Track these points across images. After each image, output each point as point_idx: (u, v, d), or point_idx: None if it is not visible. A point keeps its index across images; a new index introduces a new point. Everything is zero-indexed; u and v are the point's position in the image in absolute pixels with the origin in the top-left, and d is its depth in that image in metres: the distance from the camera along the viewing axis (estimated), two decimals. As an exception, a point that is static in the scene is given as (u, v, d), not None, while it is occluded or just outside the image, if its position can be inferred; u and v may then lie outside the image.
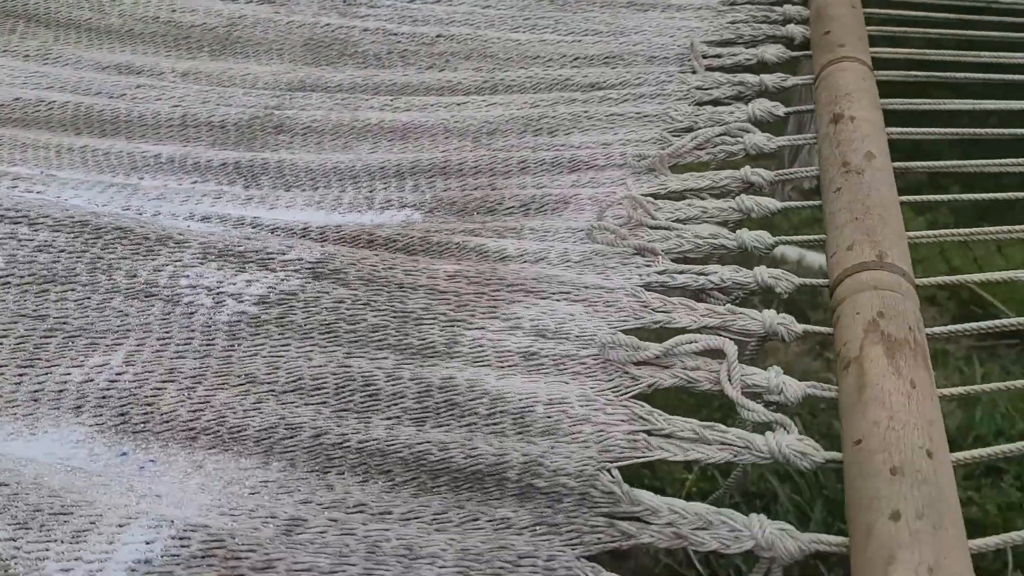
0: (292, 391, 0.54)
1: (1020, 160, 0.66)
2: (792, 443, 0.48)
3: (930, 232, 0.62)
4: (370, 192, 0.80)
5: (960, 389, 0.50)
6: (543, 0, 1.03)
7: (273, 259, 0.61)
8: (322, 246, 0.64)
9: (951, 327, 0.54)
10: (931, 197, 0.66)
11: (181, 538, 0.45)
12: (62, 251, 0.62)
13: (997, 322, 0.55)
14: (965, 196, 0.70)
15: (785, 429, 0.49)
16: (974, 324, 0.56)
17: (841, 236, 0.59)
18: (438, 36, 1.00)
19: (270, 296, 0.59)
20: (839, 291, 0.55)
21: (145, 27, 1.06)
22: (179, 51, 1.04)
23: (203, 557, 0.44)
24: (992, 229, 0.62)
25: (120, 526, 0.46)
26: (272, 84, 0.98)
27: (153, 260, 0.62)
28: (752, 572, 0.45)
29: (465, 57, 0.98)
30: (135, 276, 0.61)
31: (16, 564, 0.45)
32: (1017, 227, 0.61)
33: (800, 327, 0.55)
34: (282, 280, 0.60)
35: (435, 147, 0.85)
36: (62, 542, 0.46)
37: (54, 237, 0.63)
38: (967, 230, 0.61)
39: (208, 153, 0.86)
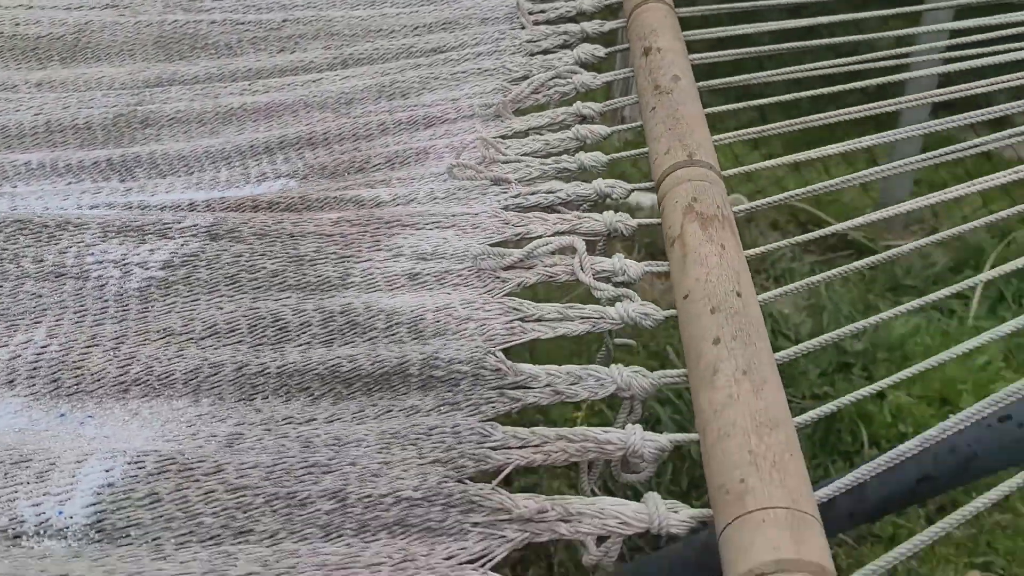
0: (209, 336, 0.62)
1: (792, 69, 0.80)
2: (636, 308, 0.59)
3: (729, 134, 0.74)
4: (244, 169, 0.87)
5: (758, 250, 0.62)
6: (378, -23, 1.11)
7: (170, 228, 0.68)
8: (212, 214, 0.71)
9: (749, 204, 0.66)
10: (732, 106, 0.79)
11: (136, 462, 0.52)
12: (-35, 249, 0.66)
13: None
14: (741, 104, 0.83)
15: (631, 299, 0.60)
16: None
17: (659, 144, 0.71)
18: (284, 21, 1.06)
19: (174, 260, 0.66)
20: (662, 188, 0.67)
21: (-12, 43, 1.07)
22: (29, 63, 1.06)
23: (159, 473, 0.51)
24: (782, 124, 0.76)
25: (78, 462, 0.52)
26: (129, 84, 1.02)
27: (56, 244, 0.67)
28: (618, 414, 0.56)
29: (313, 37, 1.05)
30: (42, 261, 0.66)
31: (-13, 509, 0.51)
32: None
33: (635, 221, 0.67)
34: (182, 245, 0.67)
35: (298, 122, 0.92)
36: (28, 483, 0.52)
37: (-47, 238, 0.67)
38: (758, 128, 0.74)
39: (78, 154, 0.90)
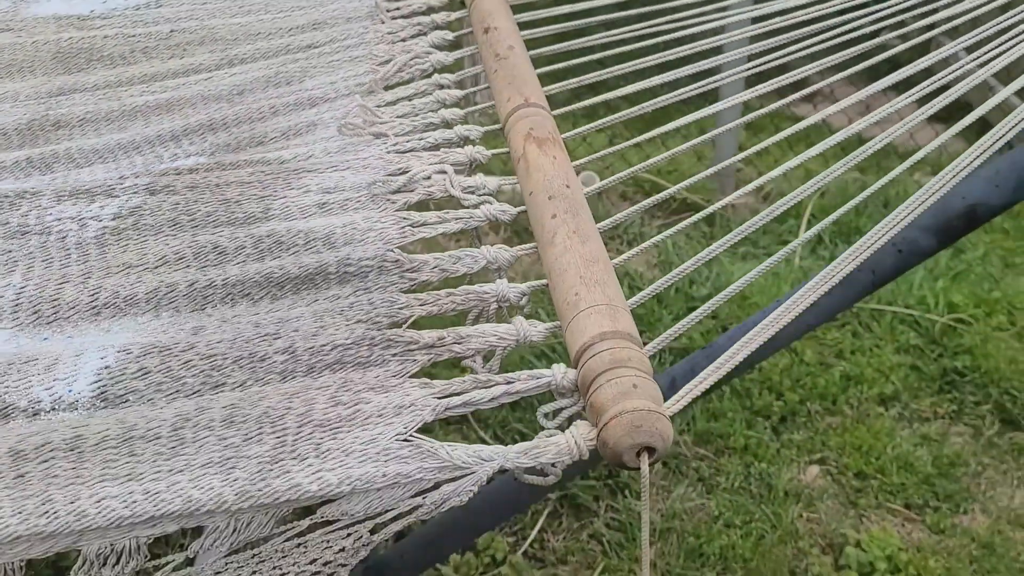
0: (162, 265, 0.77)
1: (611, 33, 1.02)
2: (496, 208, 0.79)
3: (557, 84, 0.96)
4: (156, 155, 1.01)
5: (583, 160, 0.83)
6: (252, -11, 1.27)
7: (114, 188, 0.83)
8: (148, 176, 0.86)
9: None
10: (551, 68, 1.01)
11: (124, 350, 0.68)
12: (-64, 220, 0.79)
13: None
14: (555, 67, 1.04)
15: (491, 203, 0.80)
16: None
17: (502, 95, 0.91)
18: (171, 31, 1.21)
19: (122, 212, 0.81)
20: (507, 125, 0.87)
21: None
22: (-68, 84, 1.17)
23: (144, 354, 0.67)
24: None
25: (76, 355, 0.67)
26: (34, 96, 1.14)
27: (18, 209, 0.81)
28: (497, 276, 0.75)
29: (199, 44, 1.20)
30: (7, 224, 0.80)
31: (8, 395, 0.65)
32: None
33: (489, 151, 0.87)
34: (127, 200, 0.82)
35: (198, 112, 1.07)
36: (39, 374, 0.66)
37: (-77, 213, 0.80)
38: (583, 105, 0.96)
39: (-1, 156, 1.02)
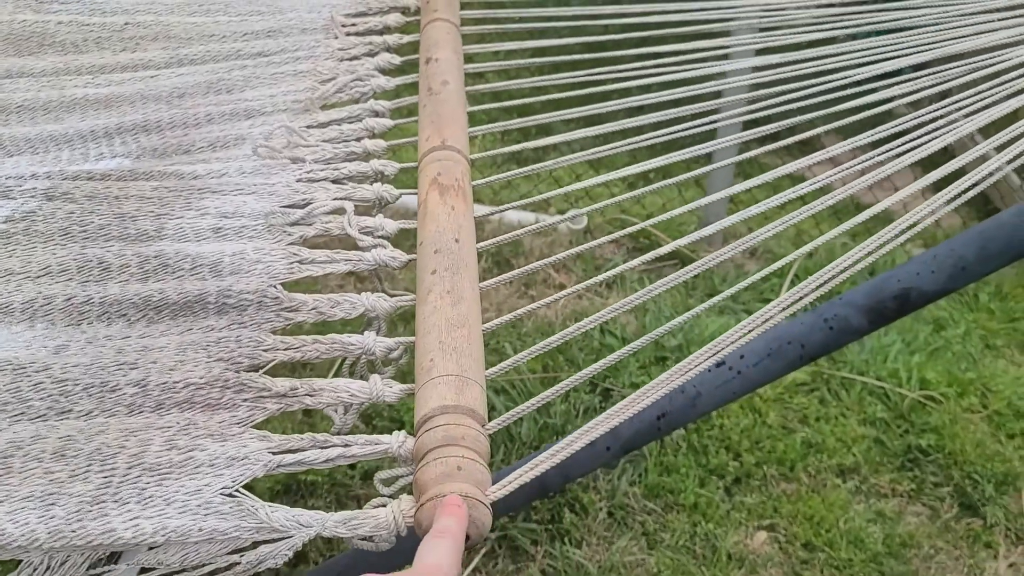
0: (44, 275, 0.76)
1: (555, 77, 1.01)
2: (387, 253, 0.77)
3: (481, 127, 0.94)
4: (85, 150, 1.01)
5: (489, 209, 0.82)
6: (213, -11, 1.26)
7: (12, 190, 0.82)
8: (50, 180, 0.85)
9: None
10: (488, 106, 0.99)
11: (-22, 364, 0.67)
12: None
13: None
14: (506, 104, 1.03)
15: (384, 248, 0.78)
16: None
17: (423, 133, 0.90)
18: (126, 24, 1.20)
19: (14, 216, 0.80)
20: (420, 166, 0.86)
21: None
22: None
23: (-3, 371, 0.66)
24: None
25: (-71, 365, 0.67)
26: (-21, 74, 1.14)
27: (-89, 202, 0.80)
28: (362, 329, 0.74)
29: (152, 39, 1.19)
30: (-103, 215, 0.79)
31: None
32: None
33: (398, 191, 0.85)
34: (22, 204, 0.81)
35: (135, 111, 1.07)
36: None
37: None
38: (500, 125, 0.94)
39: (-70, 135, 1.02)
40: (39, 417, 0.64)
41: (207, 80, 1.10)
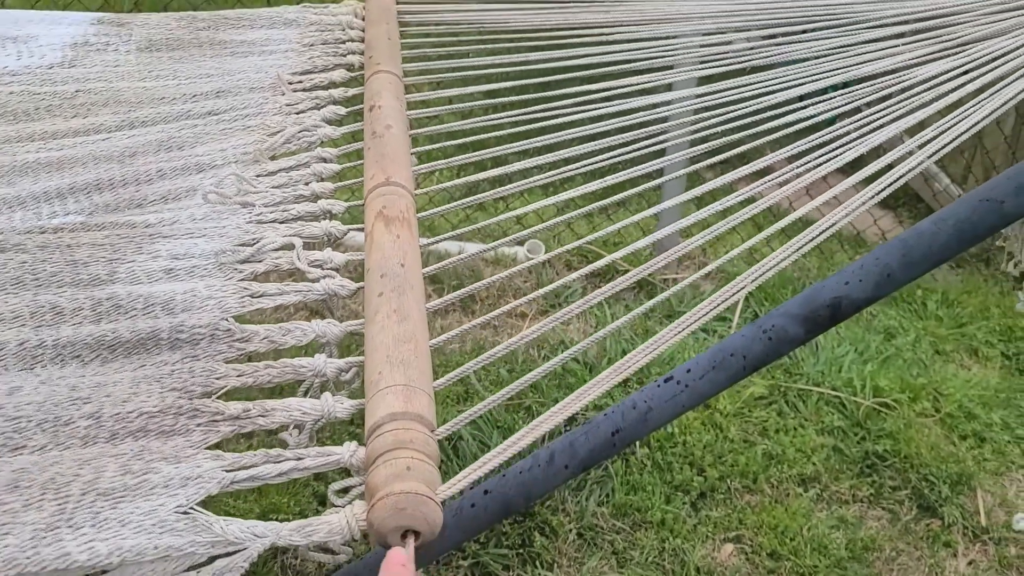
0: (-3, 323, 0.77)
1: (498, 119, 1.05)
2: (336, 283, 0.80)
3: (424, 165, 0.98)
4: (37, 210, 1.03)
5: (425, 241, 0.85)
6: (162, 54, 1.30)
7: (-36, 244, 0.83)
8: (1, 235, 0.87)
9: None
10: (425, 148, 1.03)
11: (-69, 408, 0.67)
12: None
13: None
14: (453, 144, 1.07)
15: (333, 278, 0.81)
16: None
17: (368, 172, 0.93)
18: (77, 91, 1.24)
19: (-33, 268, 0.81)
20: (366, 202, 0.89)
21: None
22: None
23: (-50, 413, 0.67)
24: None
25: None
26: (-68, 146, 1.16)
27: None
28: (317, 352, 0.76)
29: (103, 105, 1.22)
30: None
31: None
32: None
33: (345, 227, 0.88)
34: (-25, 257, 0.83)
35: (88, 172, 1.09)
36: None
37: None
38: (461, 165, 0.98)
39: None
40: (-7, 454, 0.65)
41: (158, 139, 1.13)
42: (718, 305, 0.76)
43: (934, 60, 0.96)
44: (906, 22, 1.03)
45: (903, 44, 0.99)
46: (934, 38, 1.00)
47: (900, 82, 0.93)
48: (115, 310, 0.78)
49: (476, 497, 1.19)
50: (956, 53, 0.96)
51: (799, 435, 2.22)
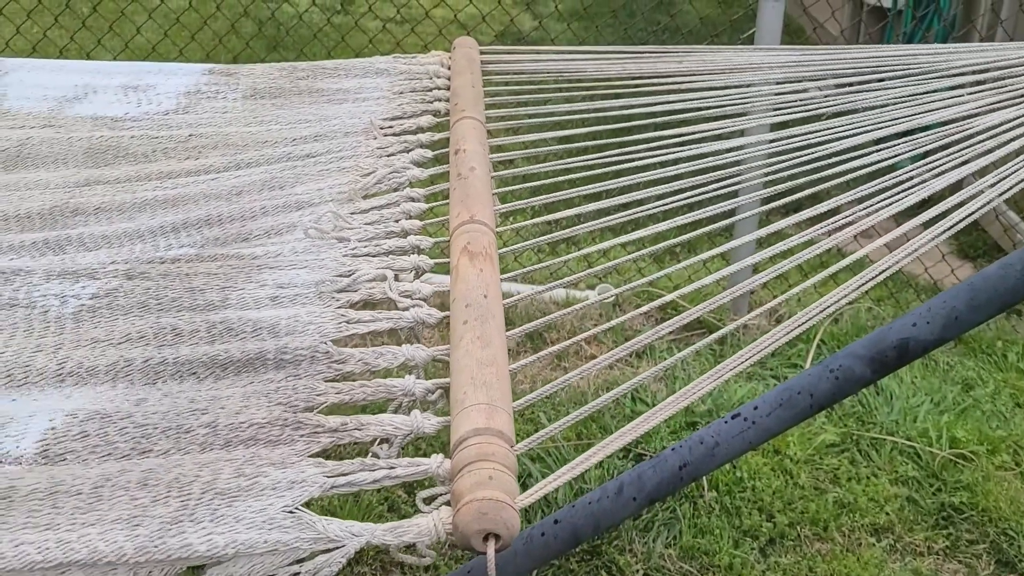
0: (125, 341, 0.87)
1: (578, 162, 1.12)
2: (424, 311, 0.87)
3: (504, 205, 1.05)
4: (155, 243, 1.13)
5: (511, 275, 0.92)
6: (265, 101, 1.42)
7: (97, 271, 0.94)
8: (127, 263, 0.97)
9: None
10: (505, 189, 1.10)
11: (71, 414, 0.77)
12: (-59, 289, 0.91)
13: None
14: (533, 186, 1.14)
15: (421, 307, 0.88)
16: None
17: (453, 211, 1.01)
18: (190, 135, 1.35)
19: (100, 292, 0.92)
20: (452, 238, 0.97)
21: (-56, 154, 1.33)
22: (-24, 170, 1.32)
23: (88, 419, 0.76)
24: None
25: (30, 416, 0.77)
26: (62, 184, 1.28)
27: (11, 284, 0.92)
28: (407, 373, 0.83)
29: (213, 148, 1.34)
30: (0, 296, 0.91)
31: (-35, 447, 0.74)
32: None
33: (432, 261, 0.96)
34: (106, 283, 0.93)
35: (199, 209, 1.20)
36: (-8, 430, 0.75)
37: (-68, 283, 0.92)
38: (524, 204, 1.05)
39: (20, 236, 1.15)
40: (124, 456, 0.74)
41: (262, 179, 1.23)
42: (780, 339, 0.81)
43: (999, 109, 0.99)
44: (972, 72, 1.07)
45: (968, 94, 1.02)
46: (998, 88, 1.03)
47: (964, 130, 0.97)
48: (227, 332, 0.87)
49: (546, 526, 1.24)
50: (1020, 103, 0.99)
51: (872, 484, 2.21)
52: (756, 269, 2.92)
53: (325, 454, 0.73)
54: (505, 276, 0.95)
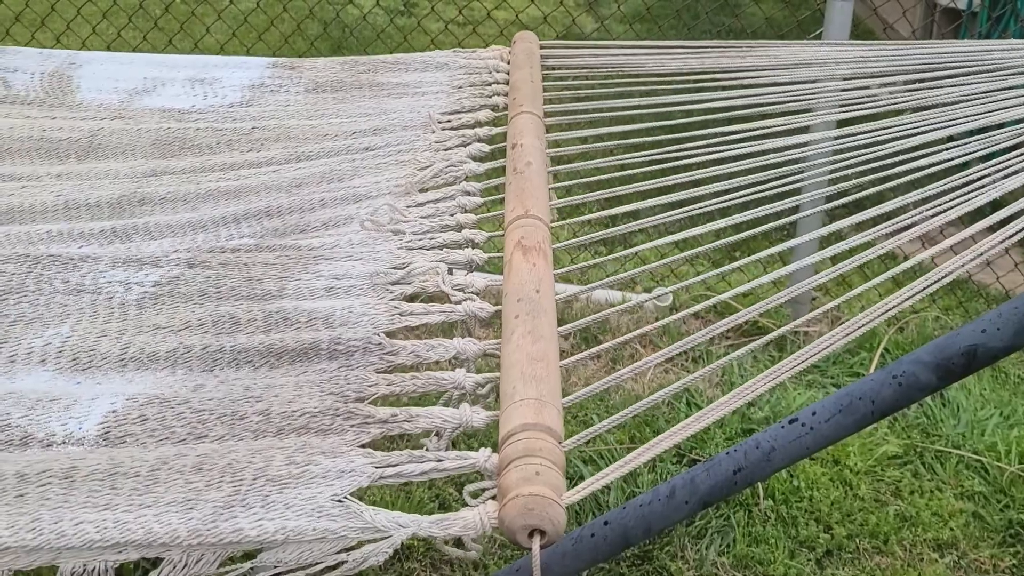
0: (184, 329, 0.89)
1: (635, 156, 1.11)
2: (476, 306, 0.87)
3: (560, 200, 1.05)
4: (216, 233, 1.15)
5: (565, 270, 0.91)
6: (327, 95, 1.43)
7: (160, 259, 0.96)
8: (189, 252, 0.99)
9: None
10: (562, 184, 1.10)
11: (131, 398, 0.79)
12: (13, 274, 0.94)
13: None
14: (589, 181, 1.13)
15: (472, 301, 0.88)
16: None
17: (510, 205, 1.01)
18: (253, 128, 1.38)
19: (162, 280, 0.94)
20: (507, 232, 0.97)
21: (21, 145, 1.37)
22: (51, 160, 1.36)
23: (147, 403, 0.78)
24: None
25: (92, 399, 0.79)
26: (130, 174, 1.32)
27: (79, 270, 0.95)
28: (456, 368, 0.83)
29: (275, 140, 1.36)
30: (67, 281, 0.94)
31: (31, 426, 0.77)
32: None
33: (486, 255, 0.96)
34: (169, 271, 0.95)
35: (260, 200, 1.22)
36: (58, 412, 0.78)
37: (4, 267, 0.95)
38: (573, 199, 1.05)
39: (89, 225, 1.19)
40: (180, 441, 0.75)
41: (321, 172, 1.25)
42: (838, 341, 0.79)
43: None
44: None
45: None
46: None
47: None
48: (283, 322, 0.88)
49: (596, 527, 1.23)
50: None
51: (936, 498, 2.14)
52: (816, 271, 2.85)
53: (375, 445, 0.74)
54: (559, 271, 0.94)
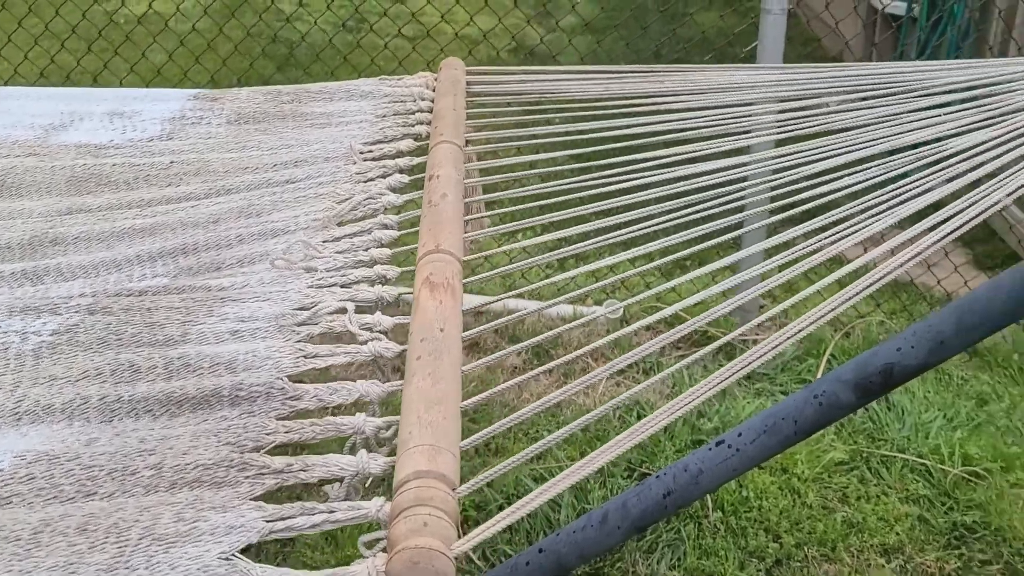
0: (82, 379, 0.86)
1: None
2: (383, 345, 0.86)
3: (475, 232, 1.03)
4: (130, 272, 1.13)
5: (483, 299, 0.90)
6: (249, 126, 1.41)
7: (59, 307, 0.93)
8: (93, 297, 0.97)
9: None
10: (485, 214, 1.09)
11: (20, 455, 0.76)
12: (-96, 326, 0.91)
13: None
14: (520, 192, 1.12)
15: (380, 340, 0.87)
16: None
17: (423, 239, 0.99)
18: (171, 162, 1.35)
19: (60, 328, 0.91)
20: (417, 268, 0.95)
21: (-71, 184, 1.33)
22: (-39, 200, 1.32)
23: (36, 461, 0.75)
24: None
25: (-22, 457, 0.76)
26: (44, 213, 1.28)
27: (-27, 321, 0.92)
28: (358, 411, 0.81)
29: (195, 174, 1.33)
30: (-38, 332, 0.91)
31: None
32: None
33: (396, 291, 0.94)
34: (68, 319, 0.92)
35: (176, 237, 1.19)
36: (-59, 471, 0.75)
37: None
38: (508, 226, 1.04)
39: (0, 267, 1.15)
40: (68, 500, 0.73)
41: (239, 207, 1.22)
42: (781, 343, 0.79)
43: (976, 130, 0.96)
44: (952, 91, 1.04)
45: (946, 114, 1.00)
46: (977, 108, 1.00)
47: (943, 151, 0.94)
48: (184, 368, 0.86)
49: (531, 556, 1.21)
50: (998, 122, 0.96)
51: (882, 503, 2.15)
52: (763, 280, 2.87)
53: (273, 495, 0.72)
54: (512, 293, 0.93)
